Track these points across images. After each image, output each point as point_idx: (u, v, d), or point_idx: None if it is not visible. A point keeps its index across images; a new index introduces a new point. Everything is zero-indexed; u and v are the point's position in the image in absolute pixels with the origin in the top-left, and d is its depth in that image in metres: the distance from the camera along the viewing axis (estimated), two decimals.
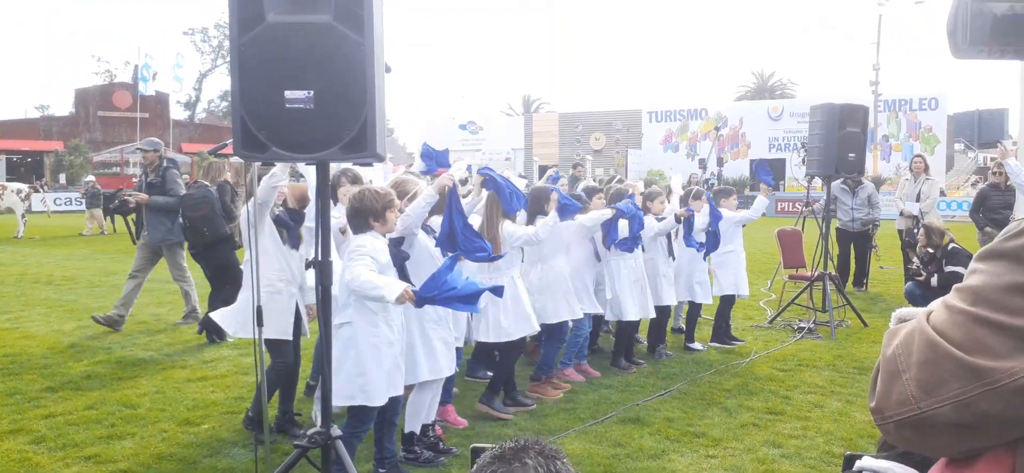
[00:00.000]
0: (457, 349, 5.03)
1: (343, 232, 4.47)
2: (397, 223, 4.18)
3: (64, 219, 22.78)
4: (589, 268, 6.45)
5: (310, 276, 4.89)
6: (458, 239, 4.44)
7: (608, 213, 6.22)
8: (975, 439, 1.04)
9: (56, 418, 5.32)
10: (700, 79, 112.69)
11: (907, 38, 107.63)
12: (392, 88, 3.57)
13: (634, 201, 6.50)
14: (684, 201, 7.45)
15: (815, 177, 9.21)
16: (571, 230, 5.98)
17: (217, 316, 4.98)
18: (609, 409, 5.60)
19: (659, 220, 6.89)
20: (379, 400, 3.99)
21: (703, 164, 32.66)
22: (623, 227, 6.33)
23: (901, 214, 10.77)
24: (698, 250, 7.21)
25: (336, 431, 3.50)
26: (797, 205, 26.48)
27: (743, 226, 8.06)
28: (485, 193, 5.23)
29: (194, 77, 57.31)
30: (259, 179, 4.65)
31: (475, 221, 5.32)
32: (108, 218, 22.23)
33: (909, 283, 8.61)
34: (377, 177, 5.24)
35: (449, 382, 5.16)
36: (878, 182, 26.57)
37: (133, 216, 8.10)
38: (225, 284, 7.59)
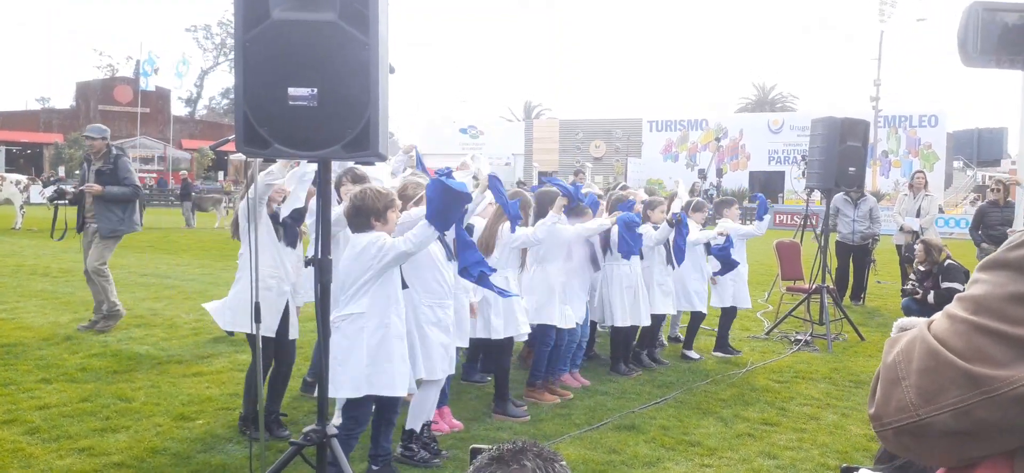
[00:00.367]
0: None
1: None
2: (397, 225, 4.18)
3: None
4: (585, 275, 6.42)
5: (306, 277, 4.89)
6: (458, 255, 4.46)
7: (608, 222, 6.23)
8: (973, 447, 1.05)
9: (50, 409, 5.30)
10: (701, 90, 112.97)
11: (908, 55, 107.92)
12: (393, 90, 3.56)
13: (632, 210, 6.51)
14: (685, 211, 7.43)
15: (815, 190, 9.23)
16: (569, 237, 5.97)
17: (210, 307, 4.96)
18: (604, 416, 5.60)
19: (656, 229, 6.90)
20: (401, 390, 4.02)
21: (703, 174, 32.70)
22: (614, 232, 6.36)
23: (901, 229, 10.79)
24: (668, 263, 7.14)
25: (332, 428, 3.49)
26: (795, 218, 26.59)
27: (744, 240, 8.04)
28: (489, 194, 5.23)
29: (196, 74, 57.35)
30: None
31: (479, 223, 5.34)
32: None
33: (905, 300, 8.63)
34: (385, 176, 5.23)
35: (445, 384, 5.16)
36: (877, 197, 26.65)
37: (73, 208, 7.58)
38: None
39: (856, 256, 11.05)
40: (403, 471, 4.51)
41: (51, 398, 5.56)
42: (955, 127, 40.88)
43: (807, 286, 9.20)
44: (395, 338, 3.99)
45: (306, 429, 3.53)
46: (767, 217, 8.19)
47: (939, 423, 1.03)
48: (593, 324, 6.95)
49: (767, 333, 8.80)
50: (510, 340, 5.54)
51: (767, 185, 38.44)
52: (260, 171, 4.42)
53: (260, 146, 3.22)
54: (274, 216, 4.78)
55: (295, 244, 4.91)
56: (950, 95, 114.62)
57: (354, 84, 3.13)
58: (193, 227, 22.99)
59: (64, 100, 59.46)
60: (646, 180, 34.99)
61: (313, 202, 4.98)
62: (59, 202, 9.55)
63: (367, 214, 3.96)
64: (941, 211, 26.43)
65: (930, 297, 7.86)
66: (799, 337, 8.38)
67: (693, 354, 7.54)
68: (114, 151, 7.88)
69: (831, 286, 9.06)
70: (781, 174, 37.93)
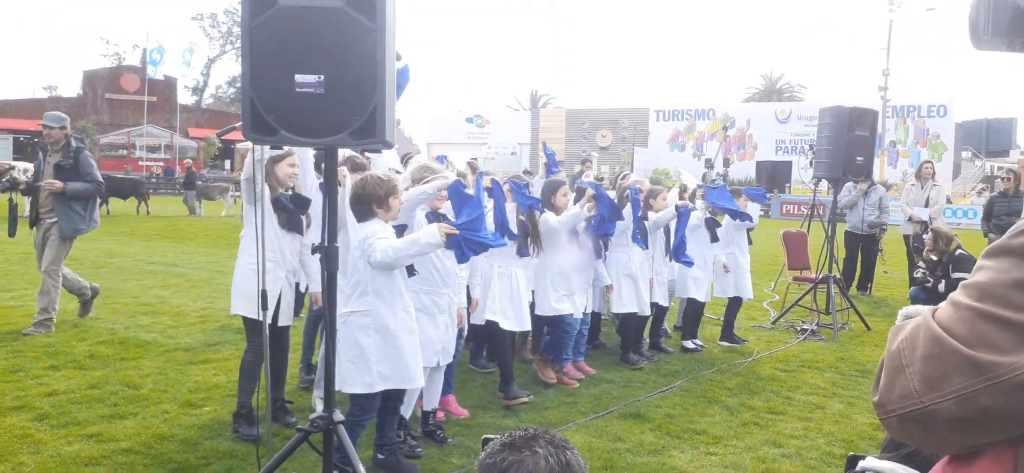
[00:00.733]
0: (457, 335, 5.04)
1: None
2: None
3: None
4: (588, 263, 6.39)
5: (315, 264, 4.87)
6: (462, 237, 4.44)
7: (584, 212, 5.97)
8: (977, 434, 1.05)
9: (59, 396, 5.34)
10: (708, 79, 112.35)
11: (917, 44, 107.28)
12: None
13: (636, 194, 6.44)
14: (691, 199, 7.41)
15: (822, 180, 9.19)
16: (550, 227, 5.91)
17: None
18: (610, 404, 5.60)
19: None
20: (417, 381, 4.07)
21: (710, 164, 32.60)
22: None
23: (909, 219, 10.73)
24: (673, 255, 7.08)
25: (338, 416, 3.50)
26: (802, 208, 26.50)
27: (748, 229, 7.97)
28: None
29: (202, 62, 57.38)
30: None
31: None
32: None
33: (913, 289, 8.60)
34: (395, 163, 5.24)
35: (449, 372, 5.17)
36: (885, 187, 26.60)
37: (24, 200, 6.99)
38: None
39: (865, 246, 11.02)
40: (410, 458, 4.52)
41: (59, 385, 5.59)
42: (964, 117, 40.63)
43: (814, 276, 9.18)
44: (404, 332, 4.00)
45: (313, 416, 3.55)
46: (756, 209, 7.92)
47: (943, 410, 1.03)
48: (596, 314, 6.94)
49: (773, 322, 8.79)
50: (511, 332, 5.60)
51: (774, 175, 38.37)
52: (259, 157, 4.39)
53: (267, 133, 3.21)
54: (276, 201, 4.76)
55: (300, 230, 4.86)
56: (959, 85, 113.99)
57: (361, 71, 3.13)
58: (199, 216, 23.02)
59: (71, 88, 59.57)
60: (652, 170, 34.92)
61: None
62: (12, 192, 8.72)
63: (368, 202, 3.97)
64: (949, 201, 26.32)
65: (941, 286, 7.83)
66: (805, 326, 8.37)
67: (691, 344, 7.42)
68: (74, 143, 7.22)
69: (838, 276, 9.04)
70: (788, 164, 37.81)
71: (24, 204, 8.18)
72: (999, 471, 1.07)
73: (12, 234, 7.80)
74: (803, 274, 9.78)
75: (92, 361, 6.26)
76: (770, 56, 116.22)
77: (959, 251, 8.00)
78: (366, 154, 5.26)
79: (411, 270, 4.19)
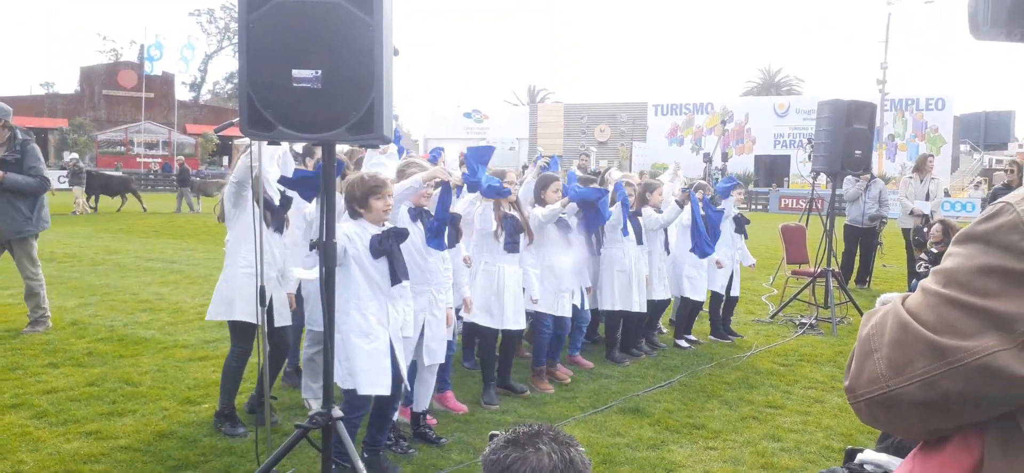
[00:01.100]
0: (448, 341, 4.98)
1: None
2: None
3: (65, 197, 22.78)
4: (582, 260, 6.36)
5: (292, 265, 4.83)
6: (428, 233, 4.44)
7: (558, 208, 5.85)
8: (941, 419, 1.07)
9: (57, 393, 5.33)
10: (706, 74, 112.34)
11: (915, 37, 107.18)
12: (397, 78, 3.55)
13: (622, 189, 6.40)
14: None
15: (821, 174, 9.18)
16: (538, 222, 5.87)
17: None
18: (609, 399, 5.60)
19: (659, 213, 6.83)
20: (365, 388, 3.94)
21: (708, 158, 32.57)
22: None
23: (911, 213, 10.71)
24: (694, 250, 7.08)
25: (337, 412, 3.50)
26: (801, 201, 26.51)
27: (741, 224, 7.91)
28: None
29: (200, 58, 57.23)
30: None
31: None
32: (91, 197, 22.12)
33: (915, 282, 8.60)
34: (389, 163, 5.20)
35: (444, 370, 5.15)
36: (884, 180, 26.62)
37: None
38: None
39: (864, 239, 11.02)
40: (392, 458, 4.49)
41: (58, 382, 5.59)
42: (962, 110, 40.66)
43: (812, 270, 9.18)
44: (354, 334, 3.91)
45: (312, 413, 3.55)
46: (731, 201, 7.74)
47: (908, 394, 1.05)
48: (595, 310, 6.91)
49: (772, 317, 8.79)
50: (483, 329, 5.46)
51: (773, 168, 38.36)
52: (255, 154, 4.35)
53: (264, 129, 3.20)
54: (264, 200, 4.72)
55: (282, 230, 4.83)
56: (957, 78, 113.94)
57: (358, 66, 3.11)
58: (197, 212, 22.99)
59: (69, 85, 59.48)
60: (651, 164, 34.90)
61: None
62: None
63: (350, 203, 3.96)
64: (947, 195, 26.32)
65: None
66: (804, 320, 8.37)
67: (684, 342, 7.36)
68: (20, 135, 6.70)
69: (836, 269, 9.04)
70: (787, 158, 37.84)
71: None
72: (966, 457, 1.09)
73: None
74: (801, 268, 9.79)
75: (91, 358, 6.25)
76: (768, 50, 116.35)
77: None
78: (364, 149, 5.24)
79: (397, 276, 4.05)
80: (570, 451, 1.51)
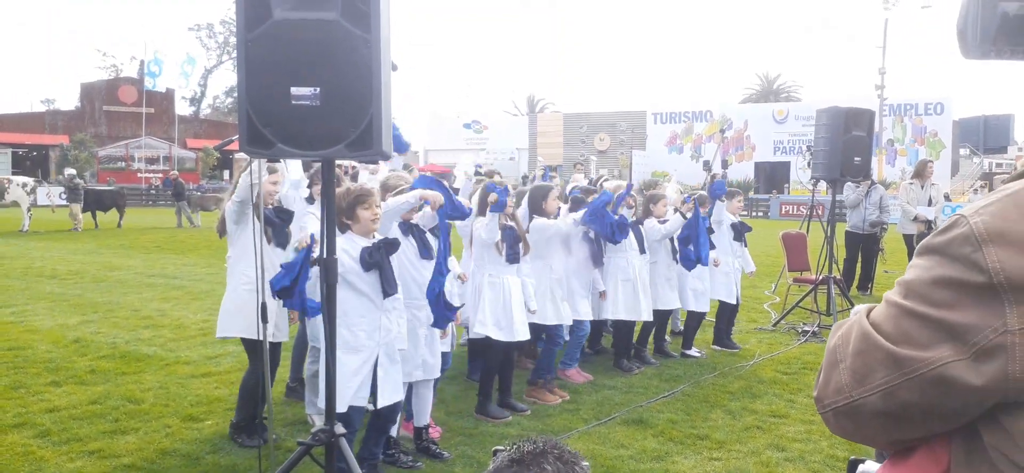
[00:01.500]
0: (445, 353, 4.98)
1: None
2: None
3: (65, 213, 22.79)
4: (586, 271, 6.37)
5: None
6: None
7: (567, 224, 5.96)
8: (904, 429, 1.08)
9: (60, 412, 5.32)
10: (705, 81, 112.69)
11: (913, 42, 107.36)
12: (397, 87, 3.55)
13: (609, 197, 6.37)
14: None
15: (821, 181, 9.19)
16: (548, 236, 5.87)
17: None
18: (612, 410, 5.59)
19: (661, 223, 6.84)
20: (342, 403, 3.85)
21: (708, 166, 32.57)
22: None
23: (914, 219, 10.69)
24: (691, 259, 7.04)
25: (340, 429, 3.49)
26: (801, 208, 26.52)
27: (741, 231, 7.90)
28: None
29: (200, 73, 57.36)
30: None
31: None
32: (87, 213, 22.02)
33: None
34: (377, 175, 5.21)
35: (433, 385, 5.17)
36: (884, 186, 26.65)
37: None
38: None
39: (865, 246, 11.01)
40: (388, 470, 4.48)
41: (60, 400, 5.58)
42: (961, 114, 40.62)
43: (814, 277, 9.17)
44: (343, 350, 3.85)
45: (314, 429, 3.54)
46: (722, 206, 7.64)
47: (870, 404, 1.07)
48: (597, 320, 6.89)
49: (774, 325, 8.78)
50: (506, 344, 5.40)
51: (773, 175, 38.36)
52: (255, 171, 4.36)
53: (264, 146, 3.21)
54: (264, 216, 4.73)
55: (285, 245, 4.85)
56: (956, 82, 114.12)
57: (357, 82, 3.13)
58: (197, 227, 23.00)
59: (69, 101, 59.67)
60: (651, 172, 34.92)
61: (300, 204, 4.97)
62: None
63: (339, 215, 3.93)
64: (948, 199, 26.31)
65: None
66: (806, 328, 8.36)
67: (694, 352, 7.35)
68: None
69: (838, 276, 9.03)
70: (786, 164, 37.85)
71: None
72: (933, 466, 1.10)
73: None
74: (803, 276, 9.77)
75: (93, 376, 6.25)
76: (767, 56, 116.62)
77: None
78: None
79: (389, 290, 4.04)
80: (576, 469, 1.49)
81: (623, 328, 6.78)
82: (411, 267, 4.46)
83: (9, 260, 14.20)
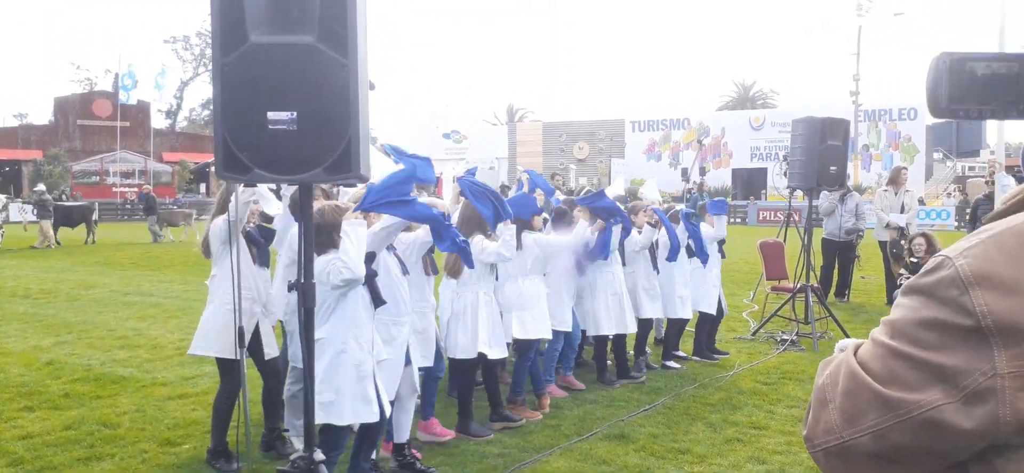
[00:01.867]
0: (427, 368, 5.00)
1: None
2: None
3: (34, 230, 22.45)
4: (569, 282, 6.37)
5: (279, 294, 4.83)
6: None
7: (588, 235, 6.05)
8: (895, 470, 1.07)
9: (33, 439, 5.23)
10: (683, 89, 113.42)
11: (887, 48, 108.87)
12: (375, 98, 3.53)
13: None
14: (674, 219, 7.34)
15: (797, 190, 9.27)
16: (555, 249, 5.91)
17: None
18: (594, 425, 5.59)
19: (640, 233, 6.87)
20: (347, 418, 3.91)
21: (686, 174, 32.81)
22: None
23: (887, 226, 10.82)
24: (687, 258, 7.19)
25: (319, 455, 3.45)
26: (778, 213, 26.76)
27: (719, 241, 7.95)
28: (462, 202, 5.19)
29: (175, 85, 56.89)
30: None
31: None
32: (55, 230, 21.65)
33: (896, 293, 8.67)
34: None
35: (430, 395, 5.16)
36: (859, 191, 26.98)
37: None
38: None
39: (842, 253, 11.12)
40: None
41: (34, 426, 5.48)
42: (934, 119, 41.20)
43: (791, 285, 9.24)
44: (349, 365, 3.89)
45: (293, 456, 3.50)
46: (723, 221, 7.90)
47: (861, 446, 1.06)
48: (582, 331, 6.90)
49: (753, 334, 8.83)
50: (474, 360, 5.35)
51: (750, 182, 38.66)
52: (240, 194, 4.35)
53: (240, 172, 3.17)
54: (247, 236, 4.71)
55: (268, 263, 4.86)
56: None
57: (334, 106, 3.10)
58: (166, 240, 22.71)
59: (42, 116, 58.93)
60: (630, 180, 35.07)
61: (281, 222, 4.94)
62: None
63: (329, 231, 3.89)
64: (922, 203, 26.67)
65: None
66: (785, 337, 8.42)
67: (672, 363, 7.37)
68: None
69: (815, 285, 9.10)
70: (763, 171, 38.18)
71: None
72: None
73: None
74: (781, 284, 9.84)
75: (67, 400, 6.15)
76: (743, 64, 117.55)
77: None
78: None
79: (378, 300, 4.06)
80: None
81: (603, 342, 6.78)
82: (394, 284, 4.44)
83: None
